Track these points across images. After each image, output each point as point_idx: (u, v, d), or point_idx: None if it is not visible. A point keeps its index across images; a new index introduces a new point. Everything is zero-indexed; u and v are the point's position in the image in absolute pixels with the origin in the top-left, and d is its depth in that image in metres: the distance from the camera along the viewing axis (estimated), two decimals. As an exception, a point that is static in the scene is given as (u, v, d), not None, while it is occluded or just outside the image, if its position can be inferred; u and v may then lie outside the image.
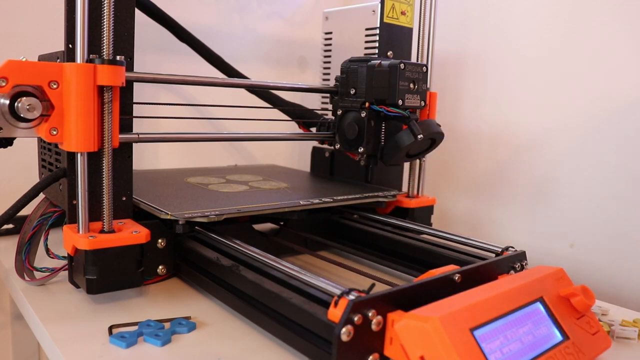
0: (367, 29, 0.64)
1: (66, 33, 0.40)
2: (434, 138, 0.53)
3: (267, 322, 0.37)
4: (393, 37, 0.64)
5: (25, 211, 0.44)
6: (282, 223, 0.58)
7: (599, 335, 0.37)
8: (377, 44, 0.63)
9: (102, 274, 0.40)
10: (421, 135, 0.50)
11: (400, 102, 0.50)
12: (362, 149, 0.52)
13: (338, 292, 0.32)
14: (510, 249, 0.45)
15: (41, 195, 0.46)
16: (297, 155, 0.92)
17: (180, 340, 0.37)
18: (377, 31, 0.63)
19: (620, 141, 0.60)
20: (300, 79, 0.91)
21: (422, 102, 0.52)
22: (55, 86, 0.38)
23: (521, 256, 0.44)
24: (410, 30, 0.66)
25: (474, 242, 0.48)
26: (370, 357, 0.31)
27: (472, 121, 0.77)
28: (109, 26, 0.39)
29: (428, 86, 0.54)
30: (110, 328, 0.38)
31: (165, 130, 0.65)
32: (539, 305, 0.35)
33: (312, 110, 0.65)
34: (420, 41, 0.61)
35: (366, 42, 0.65)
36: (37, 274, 0.46)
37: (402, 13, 0.64)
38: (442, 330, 0.28)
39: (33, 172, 0.55)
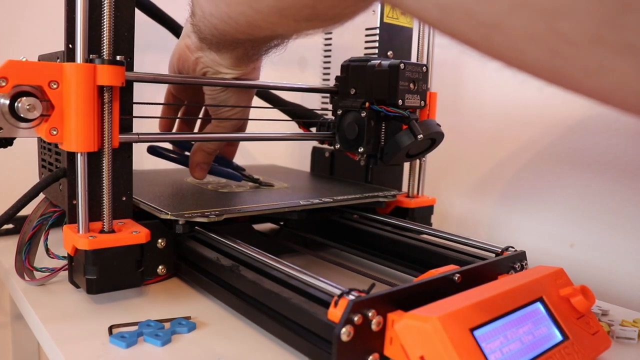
0: (367, 29, 0.64)
1: (66, 33, 0.40)
2: (434, 138, 0.53)
3: (267, 322, 0.37)
4: (393, 37, 0.64)
5: (25, 211, 0.44)
6: (282, 223, 0.58)
7: (599, 335, 0.37)
8: (377, 44, 0.63)
9: (102, 274, 0.40)
10: (421, 135, 0.50)
11: (400, 102, 0.50)
12: (362, 149, 0.52)
13: (338, 292, 0.32)
14: (510, 249, 0.45)
15: (41, 195, 0.46)
16: (297, 155, 0.92)
17: (180, 340, 0.37)
18: (377, 31, 0.63)
19: (619, 140, 0.60)
20: (300, 79, 0.91)
21: (422, 102, 0.52)
22: (55, 86, 0.38)
23: (521, 256, 0.44)
24: (410, 30, 0.65)
25: (474, 242, 0.48)
26: (370, 357, 0.31)
27: (473, 121, 0.77)
28: (109, 26, 0.39)
29: (428, 86, 0.54)
30: (110, 328, 0.38)
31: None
32: (539, 305, 0.35)
33: (312, 110, 0.65)
34: (420, 41, 0.61)
35: (366, 42, 0.65)
36: (37, 274, 0.46)
37: (402, 13, 0.64)
38: (442, 330, 0.28)
39: (33, 172, 0.55)
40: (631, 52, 0.15)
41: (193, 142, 0.58)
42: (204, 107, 0.59)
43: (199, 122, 0.61)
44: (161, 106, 0.59)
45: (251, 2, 0.32)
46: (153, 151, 0.60)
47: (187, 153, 0.60)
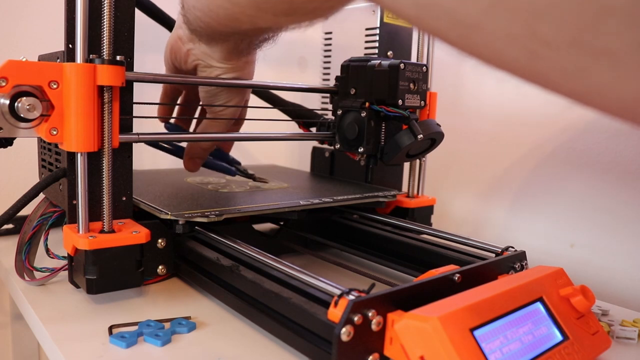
0: (367, 29, 0.64)
1: (66, 33, 0.40)
2: (434, 138, 0.53)
3: (267, 322, 0.37)
4: (393, 37, 0.64)
5: (25, 211, 0.44)
6: (282, 223, 0.58)
7: (599, 335, 0.37)
8: (377, 44, 0.63)
9: (102, 274, 0.40)
10: (421, 135, 0.50)
11: (400, 102, 0.50)
12: (362, 149, 0.52)
13: (338, 292, 0.32)
14: (510, 249, 0.45)
15: (41, 195, 0.46)
16: (297, 155, 0.92)
17: (180, 340, 0.37)
18: (377, 31, 0.63)
19: (620, 140, 0.60)
20: (300, 79, 0.91)
21: (422, 102, 0.52)
22: (55, 86, 0.38)
23: (521, 256, 0.44)
24: (410, 30, 0.65)
25: (474, 242, 0.48)
26: (370, 357, 0.31)
27: (473, 121, 0.77)
28: (109, 26, 0.39)
29: (428, 86, 0.54)
30: (110, 328, 0.38)
31: (165, 130, 0.65)
32: (539, 305, 0.35)
33: (312, 110, 0.65)
34: (420, 41, 0.61)
35: (366, 42, 0.65)
36: (37, 274, 0.46)
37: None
38: (442, 330, 0.28)
39: (33, 172, 0.55)
40: (609, 57, 0.15)
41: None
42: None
43: (197, 115, 0.60)
44: (160, 99, 0.59)
45: None
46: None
47: (181, 144, 0.60)
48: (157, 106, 0.59)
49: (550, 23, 0.15)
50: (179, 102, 0.60)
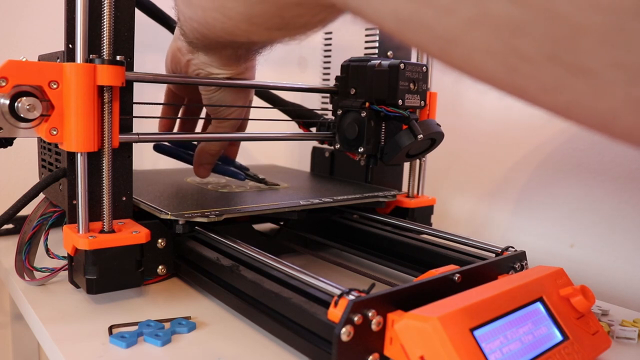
0: (367, 29, 0.64)
1: (66, 33, 0.40)
2: (434, 138, 0.53)
3: (267, 322, 0.37)
4: (393, 37, 0.64)
5: (25, 211, 0.44)
6: (282, 223, 0.58)
7: (599, 335, 0.37)
8: (377, 44, 0.63)
9: (102, 274, 0.40)
10: (421, 135, 0.50)
11: (400, 102, 0.50)
12: (362, 149, 0.52)
13: (338, 292, 0.32)
14: (510, 249, 0.45)
15: (41, 195, 0.46)
16: (297, 155, 0.92)
17: (180, 340, 0.37)
18: (377, 31, 0.63)
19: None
20: (300, 79, 0.91)
21: (422, 102, 0.52)
22: (55, 86, 0.38)
23: (521, 256, 0.44)
24: (410, 30, 0.65)
25: (474, 242, 0.48)
26: (370, 357, 0.31)
27: (473, 121, 0.77)
28: (109, 26, 0.39)
29: (428, 86, 0.54)
30: (110, 328, 0.38)
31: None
32: (538, 305, 0.35)
33: (312, 110, 0.65)
34: (420, 41, 0.60)
35: (366, 42, 0.65)
36: (37, 274, 0.46)
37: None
38: (442, 330, 0.28)
39: (33, 172, 0.55)
40: (586, 74, 0.15)
41: (195, 142, 0.58)
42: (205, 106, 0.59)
43: (201, 121, 0.61)
44: (161, 105, 0.59)
45: (223, 10, 0.33)
46: (159, 149, 0.60)
47: (191, 152, 0.60)
48: (156, 106, 0.59)
49: (529, 39, 0.16)
50: (180, 114, 0.60)
